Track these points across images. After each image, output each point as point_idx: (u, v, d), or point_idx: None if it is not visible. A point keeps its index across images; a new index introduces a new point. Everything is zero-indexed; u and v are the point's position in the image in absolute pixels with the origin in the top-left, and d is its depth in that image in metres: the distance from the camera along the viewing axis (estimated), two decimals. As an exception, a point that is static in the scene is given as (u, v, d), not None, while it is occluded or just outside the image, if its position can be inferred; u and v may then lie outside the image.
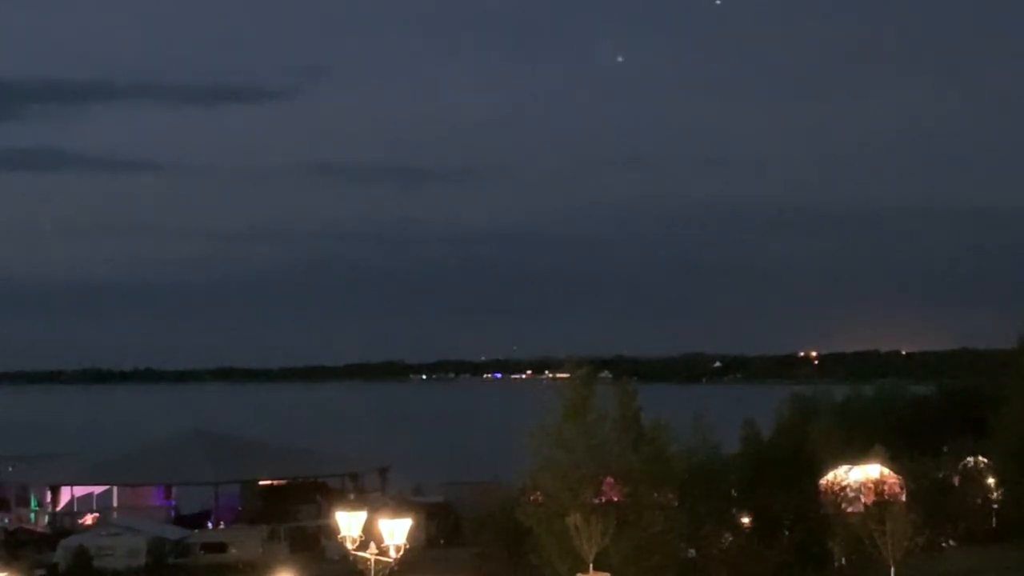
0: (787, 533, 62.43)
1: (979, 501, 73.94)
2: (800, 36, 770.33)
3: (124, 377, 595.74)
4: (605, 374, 70.78)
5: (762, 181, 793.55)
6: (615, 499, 50.48)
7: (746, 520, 64.87)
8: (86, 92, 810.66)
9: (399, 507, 66.23)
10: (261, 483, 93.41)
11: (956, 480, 74.84)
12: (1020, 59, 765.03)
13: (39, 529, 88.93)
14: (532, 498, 52.62)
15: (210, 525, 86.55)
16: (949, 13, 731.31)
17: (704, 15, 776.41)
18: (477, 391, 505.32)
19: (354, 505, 51.58)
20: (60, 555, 74.10)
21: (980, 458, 77.22)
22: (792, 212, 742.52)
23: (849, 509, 64.16)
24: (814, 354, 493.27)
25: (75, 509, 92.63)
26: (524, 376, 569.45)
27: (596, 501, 49.01)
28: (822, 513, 64.18)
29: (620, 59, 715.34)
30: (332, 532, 58.64)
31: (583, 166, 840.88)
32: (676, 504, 54.45)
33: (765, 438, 72.40)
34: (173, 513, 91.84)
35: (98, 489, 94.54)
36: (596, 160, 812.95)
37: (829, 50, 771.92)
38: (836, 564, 61.87)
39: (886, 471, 70.04)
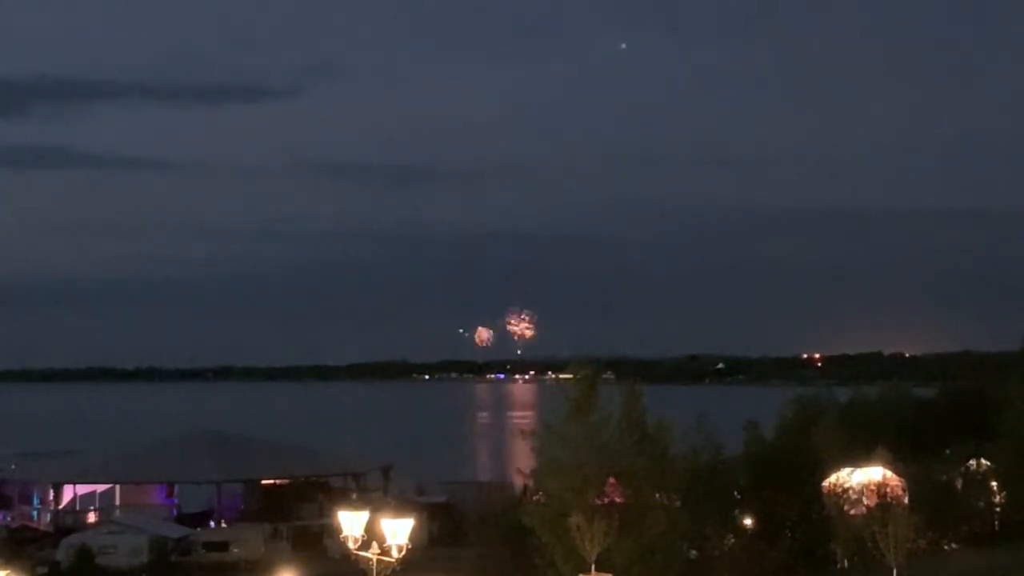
0: (789, 534, 62.39)
1: (981, 504, 73.79)
2: (803, 38, 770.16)
3: (127, 375, 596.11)
4: (608, 375, 70.68)
5: (766, 182, 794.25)
6: (618, 500, 50.45)
7: (748, 521, 64.82)
8: (92, 91, 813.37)
9: (401, 507, 66.22)
10: (263, 482, 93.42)
11: (959, 482, 74.68)
12: (1021, 61, 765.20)
13: (42, 527, 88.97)
14: (535, 498, 52.60)
15: (212, 524, 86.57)
16: (952, 15, 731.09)
17: (708, 16, 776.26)
18: (479, 392, 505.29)
19: (356, 504, 51.56)
20: (62, 553, 74.14)
21: (983, 460, 77.08)
22: (796, 214, 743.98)
23: (851, 511, 64.00)
24: (817, 356, 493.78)
25: (77, 507, 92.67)
26: (527, 377, 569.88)
27: (599, 502, 48.98)
28: (824, 515, 64.08)
29: (623, 46, 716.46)
30: (334, 531, 58.64)
31: (585, 167, 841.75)
32: (679, 505, 54.40)
33: (768, 440, 72.24)
34: (175, 511, 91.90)
35: (100, 487, 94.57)
36: (599, 161, 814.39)
37: (832, 53, 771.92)
38: (838, 566, 61.81)
39: (888, 473, 69.86)
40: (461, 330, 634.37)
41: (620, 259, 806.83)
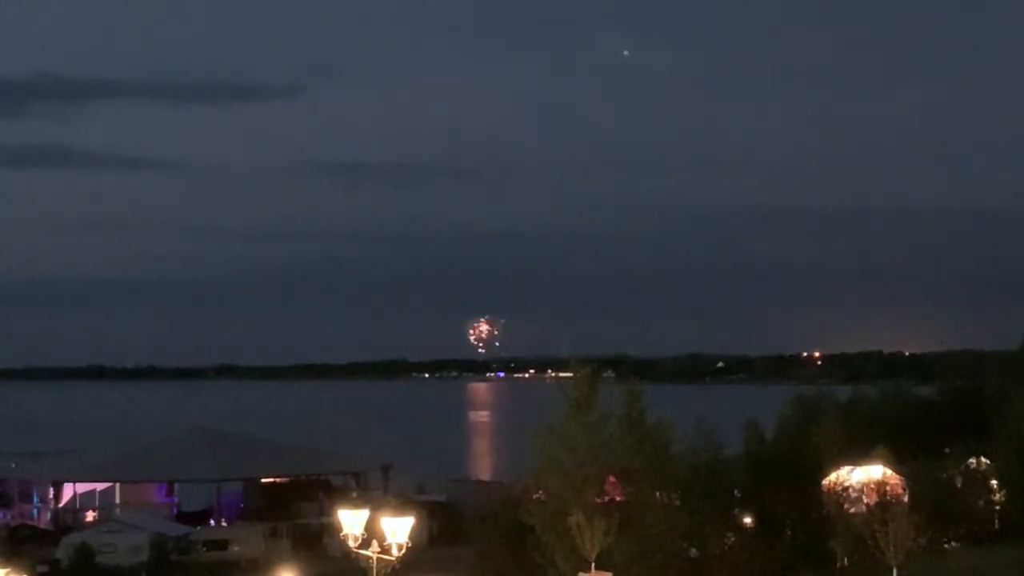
0: (789, 533, 62.36)
1: (982, 502, 73.83)
2: (803, 39, 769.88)
3: (127, 374, 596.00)
4: (608, 374, 70.67)
5: (766, 182, 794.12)
6: (618, 498, 50.47)
7: (748, 520, 64.80)
8: (92, 91, 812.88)
9: (401, 505, 66.20)
10: (263, 480, 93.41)
11: (959, 481, 74.70)
12: (1021, 61, 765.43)
13: (42, 525, 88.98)
14: (535, 497, 52.58)
15: (212, 522, 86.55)
16: (952, 15, 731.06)
17: (705, 17, 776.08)
18: (479, 391, 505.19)
19: (356, 503, 51.56)
20: (62, 551, 74.05)
21: (983, 459, 77.10)
22: (796, 214, 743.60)
23: (851, 510, 64.00)
24: (817, 354, 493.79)
25: (77, 506, 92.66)
26: (527, 375, 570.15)
27: (599, 500, 48.98)
28: (824, 513, 64.07)
29: (626, 53, 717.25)
30: (334, 530, 58.68)
31: (585, 166, 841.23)
32: (678, 504, 54.41)
33: (768, 438, 72.25)
34: (175, 510, 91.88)
35: (101, 486, 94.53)
36: (598, 161, 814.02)
37: (831, 53, 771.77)
38: (838, 565, 61.77)
39: (888, 472, 69.86)
40: (462, 333, 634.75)
41: (620, 259, 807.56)
